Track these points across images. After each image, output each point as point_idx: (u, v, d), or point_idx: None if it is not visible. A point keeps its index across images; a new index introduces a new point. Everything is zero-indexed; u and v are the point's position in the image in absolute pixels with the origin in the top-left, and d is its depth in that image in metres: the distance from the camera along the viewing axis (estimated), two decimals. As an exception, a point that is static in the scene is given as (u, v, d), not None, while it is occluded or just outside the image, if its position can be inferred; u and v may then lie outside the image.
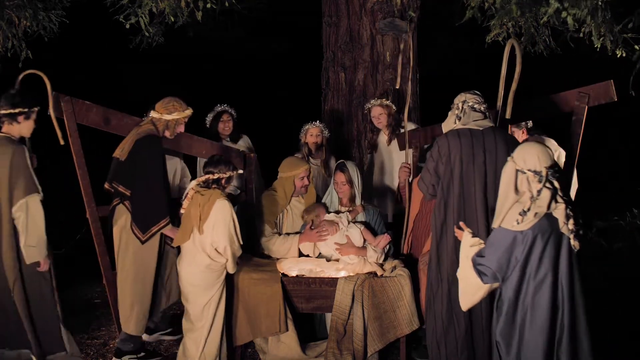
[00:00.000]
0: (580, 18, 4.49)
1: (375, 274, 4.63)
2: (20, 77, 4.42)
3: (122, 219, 4.44)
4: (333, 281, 4.59)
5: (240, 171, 4.40)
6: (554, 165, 3.10)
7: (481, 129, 3.98)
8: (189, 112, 4.53)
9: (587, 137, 4.96)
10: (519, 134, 5.60)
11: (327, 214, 4.93)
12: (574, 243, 3.04)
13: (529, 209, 3.03)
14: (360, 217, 4.97)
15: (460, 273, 3.35)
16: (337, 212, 4.97)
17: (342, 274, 4.66)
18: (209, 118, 5.98)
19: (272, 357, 4.62)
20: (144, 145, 4.32)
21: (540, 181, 3.04)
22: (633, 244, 4.31)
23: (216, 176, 4.29)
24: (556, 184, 3.09)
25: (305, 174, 4.99)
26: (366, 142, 6.33)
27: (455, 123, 4.07)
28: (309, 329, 4.93)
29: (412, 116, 6.37)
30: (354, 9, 6.33)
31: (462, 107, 4.07)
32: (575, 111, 4.92)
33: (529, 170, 3.10)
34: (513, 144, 3.86)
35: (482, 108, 4.08)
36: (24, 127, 4.25)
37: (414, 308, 4.44)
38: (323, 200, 5.08)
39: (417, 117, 6.45)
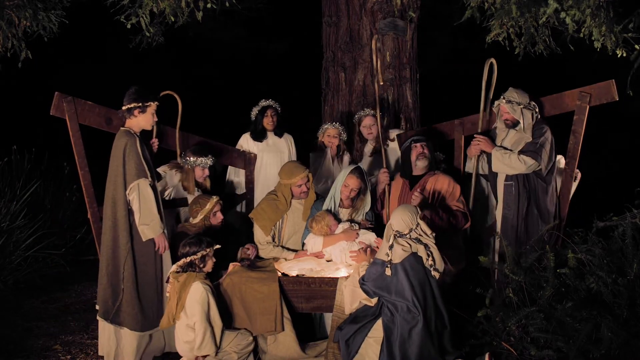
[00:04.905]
0: (579, 19, 4.49)
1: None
2: (161, 94, 4.86)
3: None
4: (333, 281, 4.60)
5: (218, 246, 4.52)
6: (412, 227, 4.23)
7: None
8: (209, 206, 4.90)
9: (587, 136, 4.97)
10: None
11: (339, 225, 4.86)
12: (434, 273, 4.21)
13: (392, 245, 4.17)
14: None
15: (352, 283, 4.40)
16: (352, 221, 4.91)
17: (342, 273, 4.66)
18: (254, 112, 5.87)
19: (271, 356, 4.62)
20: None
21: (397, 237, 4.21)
22: (633, 244, 4.30)
23: (189, 259, 4.42)
24: (424, 229, 4.22)
25: (303, 182, 4.90)
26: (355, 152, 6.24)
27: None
28: (309, 329, 4.93)
29: (411, 116, 6.37)
30: (354, 9, 6.32)
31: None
32: (577, 111, 4.92)
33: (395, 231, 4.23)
34: None
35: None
36: (141, 120, 4.61)
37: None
38: (326, 204, 4.98)
39: (416, 117, 6.44)
